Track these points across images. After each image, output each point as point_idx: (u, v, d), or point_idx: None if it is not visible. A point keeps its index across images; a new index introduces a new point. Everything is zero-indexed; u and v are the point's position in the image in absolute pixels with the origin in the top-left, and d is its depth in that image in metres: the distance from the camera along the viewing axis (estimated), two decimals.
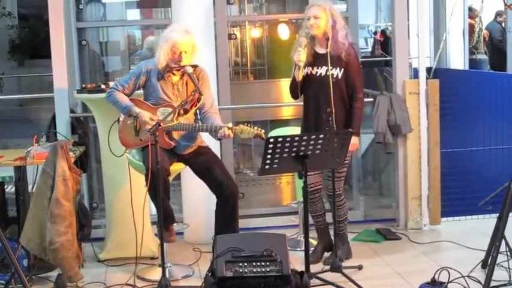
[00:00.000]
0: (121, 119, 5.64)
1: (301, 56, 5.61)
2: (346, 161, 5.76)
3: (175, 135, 5.55)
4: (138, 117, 5.46)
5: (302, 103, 5.92)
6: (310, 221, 5.64)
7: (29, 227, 5.41)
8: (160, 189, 5.21)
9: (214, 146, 6.04)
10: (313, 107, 5.73)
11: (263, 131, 5.27)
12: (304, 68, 5.72)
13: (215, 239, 4.96)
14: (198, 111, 5.63)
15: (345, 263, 5.66)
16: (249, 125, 5.29)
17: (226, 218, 5.48)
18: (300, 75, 5.66)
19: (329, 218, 5.96)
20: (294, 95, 5.88)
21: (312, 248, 5.96)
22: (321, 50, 5.75)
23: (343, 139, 5.03)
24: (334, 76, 5.70)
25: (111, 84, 5.71)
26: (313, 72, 5.72)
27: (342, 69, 5.71)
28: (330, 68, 5.66)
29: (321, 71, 5.71)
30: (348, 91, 5.75)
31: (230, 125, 5.32)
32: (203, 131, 5.49)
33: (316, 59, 5.75)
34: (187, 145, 5.61)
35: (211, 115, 5.55)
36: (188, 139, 5.61)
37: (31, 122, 12.03)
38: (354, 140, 5.70)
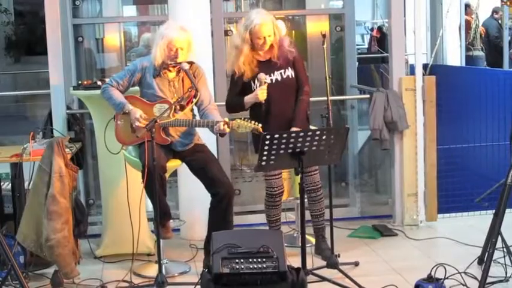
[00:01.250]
0: (117, 116, 5.64)
1: (265, 94, 5.55)
2: None
3: (172, 131, 5.55)
4: (130, 115, 5.46)
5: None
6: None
7: (25, 223, 5.41)
8: (157, 185, 5.21)
9: (210, 143, 6.04)
10: (275, 113, 5.67)
11: (260, 125, 5.27)
12: (252, 80, 5.67)
13: (210, 237, 4.98)
14: (197, 108, 5.63)
15: (341, 259, 5.66)
16: (245, 119, 5.30)
17: (219, 217, 5.48)
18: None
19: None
20: (233, 111, 5.85)
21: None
22: (261, 58, 5.70)
23: (339, 135, 5.03)
24: (290, 77, 5.72)
25: (107, 80, 5.71)
26: (268, 81, 5.64)
27: (292, 69, 5.72)
28: (283, 70, 5.67)
29: (275, 76, 5.69)
30: (297, 87, 5.78)
31: (226, 119, 5.32)
32: (200, 127, 5.50)
33: (262, 68, 5.67)
34: (184, 142, 5.61)
35: (210, 111, 5.56)
36: (185, 136, 5.61)
37: (27, 118, 12.03)
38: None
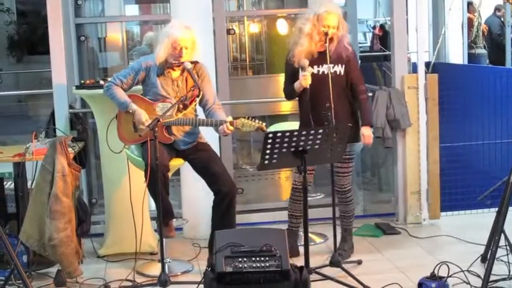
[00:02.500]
0: (119, 115, 5.63)
1: (308, 80, 5.58)
2: (351, 156, 5.80)
3: (175, 130, 5.55)
4: (134, 115, 5.46)
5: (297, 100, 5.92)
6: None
7: (28, 223, 5.41)
8: (159, 184, 5.22)
9: (213, 142, 6.04)
10: (314, 104, 5.71)
11: (264, 124, 5.27)
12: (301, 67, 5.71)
13: (214, 235, 4.97)
14: (202, 108, 5.62)
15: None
16: (249, 118, 5.30)
17: (222, 215, 5.48)
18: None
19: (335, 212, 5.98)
20: (291, 98, 5.94)
21: None
22: (320, 49, 5.72)
23: (342, 133, 5.03)
24: (338, 73, 5.73)
25: (111, 78, 5.71)
26: (314, 71, 5.69)
27: (343, 66, 5.73)
28: (332, 65, 5.68)
29: (323, 69, 5.70)
30: (347, 86, 5.78)
31: (231, 118, 5.33)
32: (204, 126, 5.49)
33: (315, 58, 5.71)
34: (187, 141, 5.61)
35: (215, 110, 5.56)
36: (188, 135, 5.61)
37: (30, 118, 12.05)
38: (367, 131, 5.81)
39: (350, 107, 5.81)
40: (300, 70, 5.67)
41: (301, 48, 5.66)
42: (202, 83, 5.54)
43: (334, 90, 5.59)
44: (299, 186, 5.85)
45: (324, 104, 5.52)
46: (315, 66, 5.69)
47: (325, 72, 5.67)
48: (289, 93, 5.86)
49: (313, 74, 5.64)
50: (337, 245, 5.68)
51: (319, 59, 5.70)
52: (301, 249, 5.26)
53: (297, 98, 5.86)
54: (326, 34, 5.60)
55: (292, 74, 5.79)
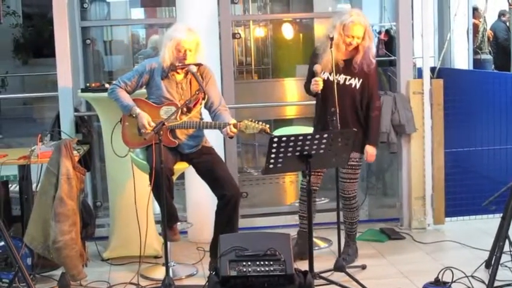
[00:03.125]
0: (123, 119, 5.63)
1: (319, 85, 5.62)
2: (357, 163, 5.83)
3: (179, 134, 5.55)
4: (137, 119, 5.46)
5: (314, 102, 5.93)
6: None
7: (32, 225, 5.41)
8: (164, 188, 5.22)
9: (218, 145, 6.05)
10: (324, 110, 5.72)
11: (268, 125, 5.27)
12: (323, 73, 5.73)
13: (216, 239, 4.98)
14: (208, 110, 5.62)
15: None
16: (253, 120, 5.29)
17: (225, 219, 5.48)
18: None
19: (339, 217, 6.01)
20: (309, 94, 5.95)
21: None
22: (341, 57, 5.75)
23: (347, 139, 5.03)
24: (353, 86, 5.74)
25: (115, 81, 5.71)
26: (331, 78, 5.67)
27: (361, 80, 5.74)
28: (348, 77, 5.72)
29: (339, 78, 5.71)
30: (363, 101, 5.79)
31: (234, 121, 5.33)
32: (208, 128, 5.49)
33: (336, 66, 5.70)
34: (191, 144, 5.61)
35: (221, 112, 5.55)
36: (193, 138, 5.61)
37: (35, 120, 12.07)
38: (370, 149, 5.81)
39: (358, 120, 5.79)
40: (315, 75, 5.70)
41: (327, 57, 5.66)
42: (207, 85, 5.53)
43: (345, 101, 5.61)
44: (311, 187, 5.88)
45: (335, 114, 5.54)
46: (332, 74, 5.65)
47: (340, 82, 5.68)
48: (307, 90, 5.88)
49: (327, 80, 5.66)
50: (342, 249, 5.67)
51: (338, 67, 5.70)
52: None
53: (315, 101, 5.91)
54: (350, 44, 5.62)
55: (312, 73, 5.79)
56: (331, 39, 5.58)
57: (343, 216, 5.99)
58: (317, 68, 5.66)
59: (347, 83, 5.72)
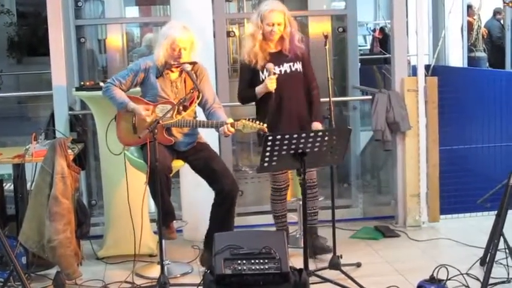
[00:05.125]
0: (118, 117, 5.63)
1: (274, 83, 5.63)
2: None
3: (175, 131, 5.54)
4: (135, 112, 5.45)
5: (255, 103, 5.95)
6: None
7: (27, 224, 5.41)
8: (162, 186, 5.21)
9: (213, 143, 6.04)
10: (280, 105, 5.74)
11: (265, 125, 5.27)
12: (263, 71, 5.75)
13: (211, 233, 4.99)
14: (202, 108, 5.62)
15: (343, 260, 5.66)
16: (250, 119, 5.29)
17: (222, 214, 5.49)
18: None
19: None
20: (247, 103, 5.99)
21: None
22: (273, 49, 5.79)
23: (342, 136, 5.03)
24: (298, 70, 5.81)
25: (109, 79, 5.70)
26: (277, 71, 5.73)
27: (301, 63, 5.82)
28: (292, 63, 5.77)
29: (284, 68, 5.76)
30: (306, 84, 5.86)
31: (231, 120, 5.32)
32: (204, 127, 5.49)
33: (273, 58, 5.76)
34: (187, 142, 5.61)
35: (216, 110, 5.56)
36: (188, 136, 5.61)
37: (29, 119, 12.03)
38: (318, 125, 5.84)
39: (308, 102, 5.88)
40: (262, 74, 5.72)
41: (245, 50, 5.77)
42: (201, 82, 5.54)
43: (297, 88, 5.68)
44: (282, 186, 5.94)
45: (292, 103, 5.60)
46: (276, 67, 5.72)
47: (287, 71, 5.74)
48: (248, 98, 5.90)
49: (280, 74, 5.71)
50: (337, 247, 5.67)
51: (277, 59, 5.74)
52: (300, 251, 5.25)
53: (254, 103, 5.91)
54: (272, 32, 5.67)
55: (250, 77, 5.82)
56: (326, 37, 5.60)
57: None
58: (270, 66, 5.67)
59: (293, 69, 5.77)
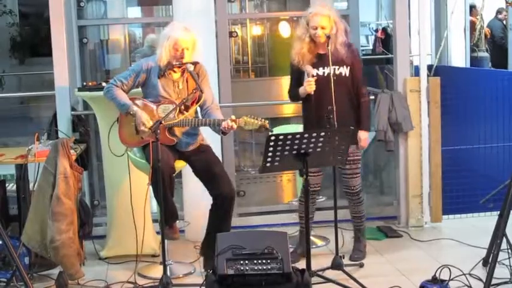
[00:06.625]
0: (120, 118, 5.62)
1: (313, 86, 5.65)
2: (357, 157, 5.90)
3: (177, 131, 5.54)
4: (135, 117, 5.45)
5: (301, 102, 5.96)
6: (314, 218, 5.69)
7: (30, 225, 5.41)
8: (165, 186, 5.21)
9: (215, 144, 6.04)
10: (317, 106, 5.74)
11: (267, 121, 5.27)
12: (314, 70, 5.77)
13: (209, 238, 4.98)
14: (199, 108, 5.62)
15: (346, 261, 5.66)
16: (252, 116, 5.29)
17: (219, 219, 5.49)
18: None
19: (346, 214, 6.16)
20: (294, 101, 6.07)
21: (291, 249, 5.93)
22: (321, 51, 5.79)
23: (344, 137, 5.03)
24: (343, 74, 5.76)
25: (111, 80, 5.70)
26: (320, 73, 5.74)
27: (349, 68, 5.78)
28: (336, 67, 5.73)
29: (327, 70, 5.73)
30: (353, 89, 5.82)
31: (233, 117, 5.32)
32: (206, 125, 5.48)
33: (319, 60, 5.77)
34: (188, 142, 5.61)
35: (213, 111, 5.56)
36: (190, 136, 5.60)
37: (32, 120, 12.05)
38: (364, 134, 5.83)
39: (353, 109, 5.83)
40: (306, 75, 5.71)
41: (294, 51, 5.77)
42: (201, 82, 5.53)
43: (339, 92, 5.64)
44: (311, 189, 5.88)
45: (327, 106, 5.55)
46: (320, 68, 5.73)
47: (331, 74, 5.71)
48: (294, 96, 5.94)
49: (317, 76, 5.69)
50: (339, 247, 5.66)
51: (323, 61, 5.74)
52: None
53: (301, 101, 5.91)
54: (329, 37, 5.63)
55: (297, 77, 5.86)
56: (328, 37, 5.60)
57: (351, 212, 6.09)
58: (308, 68, 5.69)
59: (337, 72, 5.75)
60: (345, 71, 5.78)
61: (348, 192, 5.97)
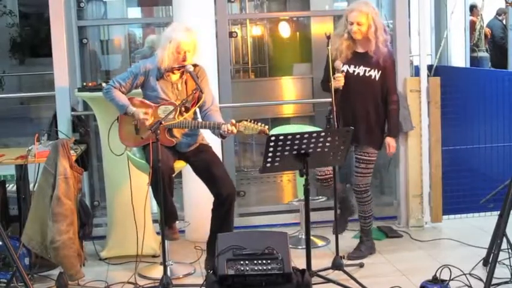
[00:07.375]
0: (120, 118, 5.62)
1: (341, 82, 5.68)
2: (373, 158, 5.94)
3: (176, 132, 5.54)
4: (135, 117, 5.45)
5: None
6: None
7: (30, 225, 5.41)
8: (165, 186, 5.21)
9: (215, 144, 6.04)
10: (349, 103, 5.80)
11: (267, 126, 5.27)
12: (343, 65, 5.81)
13: (212, 237, 4.99)
14: (199, 109, 5.62)
15: (347, 261, 5.66)
16: (252, 121, 5.29)
17: (221, 218, 5.50)
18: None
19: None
20: (324, 90, 6.01)
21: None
22: (360, 49, 5.83)
23: (344, 137, 5.03)
24: (372, 77, 5.81)
25: (110, 81, 5.70)
26: (350, 70, 5.79)
27: (380, 72, 5.81)
28: (368, 69, 5.79)
29: (359, 70, 5.79)
30: (382, 94, 5.86)
31: (233, 121, 5.32)
32: (205, 128, 5.48)
33: (354, 58, 5.82)
34: (188, 143, 5.61)
35: (212, 113, 5.55)
36: (190, 137, 5.60)
37: (32, 120, 12.04)
38: (392, 141, 5.93)
39: (377, 112, 5.88)
40: (335, 71, 5.75)
41: (333, 46, 5.77)
42: (201, 84, 5.52)
43: (365, 94, 5.68)
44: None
45: (358, 106, 5.60)
46: (352, 66, 5.78)
47: (360, 74, 5.75)
48: (325, 88, 5.93)
49: (349, 74, 5.77)
50: (339, 248, 5.66)
51: (358, 59, 5.80)
52: (303, 252, 5.25)
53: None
54: (329, 37, 5.64)
55: (328, 71, 5.83)
56: (328, 37, 5.60)
57: (357, 211, 6.15)
58: (337, 64, 5.73)
59: (367, 74, 5.78)
60: (375, 74, 5.80)
61: (355, 190, 6.04)
